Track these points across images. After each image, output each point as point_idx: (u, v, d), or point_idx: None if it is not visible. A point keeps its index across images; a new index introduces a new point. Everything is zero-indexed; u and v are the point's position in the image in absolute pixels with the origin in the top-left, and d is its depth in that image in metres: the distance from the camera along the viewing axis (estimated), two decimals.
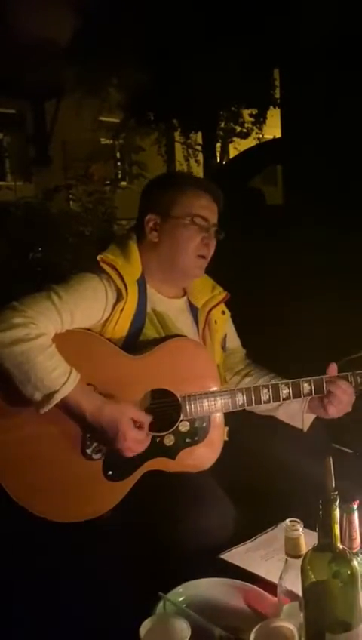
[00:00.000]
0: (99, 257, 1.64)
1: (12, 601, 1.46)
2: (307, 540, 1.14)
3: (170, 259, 1.72)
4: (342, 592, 1.02)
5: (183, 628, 1.10)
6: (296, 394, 1.70)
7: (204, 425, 1.66)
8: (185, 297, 1.83)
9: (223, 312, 1.86)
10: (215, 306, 1.82)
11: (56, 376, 1.46)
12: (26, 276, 4.91)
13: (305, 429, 1.79)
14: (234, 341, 1.95)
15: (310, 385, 1.71)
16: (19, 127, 12.30)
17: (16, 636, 1.41)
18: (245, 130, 10.08)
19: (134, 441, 1.52)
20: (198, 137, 10.54)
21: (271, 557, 1.42)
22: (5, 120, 11.83)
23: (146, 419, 1.55)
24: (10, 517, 1.54)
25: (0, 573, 1.53)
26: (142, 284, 1.69)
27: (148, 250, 1.73)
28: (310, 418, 1.80)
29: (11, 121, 12.06)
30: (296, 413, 1.79)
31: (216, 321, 1.82)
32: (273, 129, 8.74)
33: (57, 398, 1.45)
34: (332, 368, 1.74)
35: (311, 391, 1.71)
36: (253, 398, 1.67)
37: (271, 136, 8.50)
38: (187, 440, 1.64)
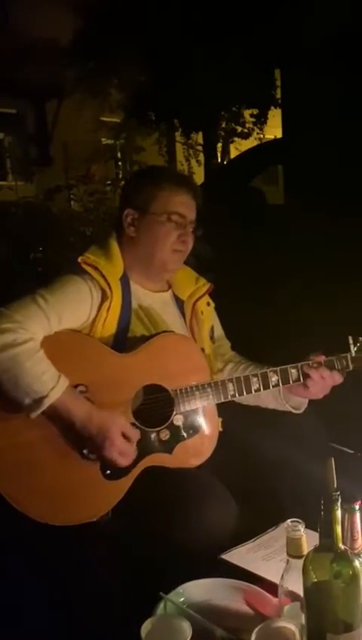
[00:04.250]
0: (80, 259, 1.64)
1: (12, 602, 1.45)
2: (308, 540, 1.13)
3: (148, 254, 1.73)
4: (344, 592, 1.02)
5: (184, 628, 1.09)
6: (285, 380, 1.72)
7: (198, 417, 1.67)
8: (170, 291, 1.84)
9: (208, 304, 1.87)
10: (200, 298, 1.83)
11: (45, 380, 1.46)
12: (27, 276, 4.91)
13: (295, 410, 1.79)
14: (219, 331, 1.96)
15: (298, 371, 1.72)
16: (20, 127, 12.32)
17: (16, 637, 1.40)
18: (246, 130, 10.08)
19: (120, 451, 1.52)
20: (199, 137, 10.54)
21: (272, 557, 1.42)
22: (6, 120, 11.85)
23: (135, 434, 1.56)
24: (10, 519, 1.53)
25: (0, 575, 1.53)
26: (125, 282, 1.70)
27: (128, 246, 1.74)
28: (301, 401, 1.80)
29: (12, 121, 12.08)
30: (278, 396, 1.80)
31: (202, 312, 1.83)
32: (274, 129, 8.74)
33: (46, 403, 1.45)
34: (320, 357, 1.75)
35: (298, 377, 1.72)
36: (244, 387, 1.69)
37: (272, 137, 8.51)
38: (182, 433, 1.65)
